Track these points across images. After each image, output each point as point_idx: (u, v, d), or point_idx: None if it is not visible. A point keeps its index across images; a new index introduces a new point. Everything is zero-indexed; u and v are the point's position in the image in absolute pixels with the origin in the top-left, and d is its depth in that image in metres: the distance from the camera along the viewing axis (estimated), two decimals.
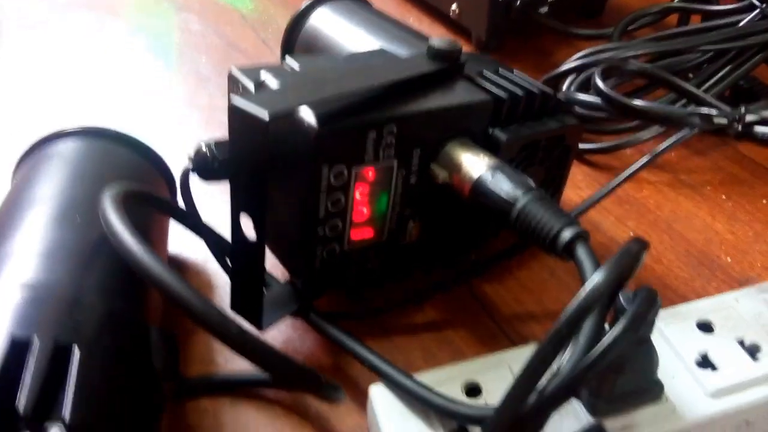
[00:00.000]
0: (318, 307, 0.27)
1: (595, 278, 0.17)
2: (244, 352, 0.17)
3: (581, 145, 0.37)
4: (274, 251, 0.28)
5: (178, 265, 0.32)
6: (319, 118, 0.21)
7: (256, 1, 0.55)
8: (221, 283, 0.31)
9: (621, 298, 0.19)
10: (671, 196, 0.35)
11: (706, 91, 0.33)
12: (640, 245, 0.18)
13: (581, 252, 0.20)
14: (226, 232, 0.26)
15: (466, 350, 0.28)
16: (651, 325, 0.20)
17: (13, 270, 0.20)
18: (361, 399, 0.26)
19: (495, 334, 0.28)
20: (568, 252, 0.21)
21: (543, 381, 0.18)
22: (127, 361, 0.19)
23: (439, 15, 0.52)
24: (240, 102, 0.19)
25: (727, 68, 0.35)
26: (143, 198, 0.22)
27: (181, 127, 0.41)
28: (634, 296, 0.19)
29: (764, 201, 0.35)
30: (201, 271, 0.31)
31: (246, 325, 0.22)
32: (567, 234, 0.21)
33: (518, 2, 0.43)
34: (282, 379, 0.17)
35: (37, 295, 0.19)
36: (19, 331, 0.17)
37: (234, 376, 0.27)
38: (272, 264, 0.28)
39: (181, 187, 0.24)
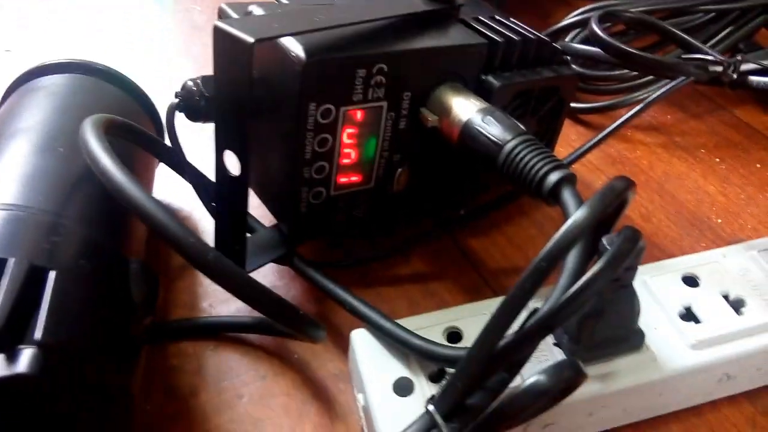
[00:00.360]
0: (304, 256, 0.27)
1: (576, 214, 0.16)
2: (219, 279, 0.17)
3: (576, 105, 0.37)
4: (260, 196, 0.28)
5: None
6: (307, 49, 0.20)
7: None
8: (208, 229, 0.30)
9: (604, 241, 0.19)
10: (665, 157, 0.35)
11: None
12: (625, 182, 0.17)
13: (567, 194, 0.20)
14: (211, 174, 0.26)
15: (451, 301, 0.28)
16: (633, 269, 0.20)
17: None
18: (344, 346, 0.25)
19: (480, 287, 0.28)
20: (553, 196, 0.21)
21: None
22: (103, 289, 0.19)
23: None
24: (224, 25, 0.19)
25: (728, 29, 0.34)
26: (125, 128, 0.22)
27: (172, 73, 0.41)
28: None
29: (758, 165, 0.35)
30: (187, 217, 0.31)
31: None
32: (554, 177, 0.20)
33: None
34: (258, 308, 0.17)
35: (15, 217, 0.18)
36: None
37: (217, 320, 0.27)
38: (262, 214, 0.28)
39: (166, 124, 0.24)
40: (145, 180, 0.27)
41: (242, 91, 0.19)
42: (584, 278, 0.17)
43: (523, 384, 0.16)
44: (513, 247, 0.30)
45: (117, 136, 0.21)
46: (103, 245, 0.20)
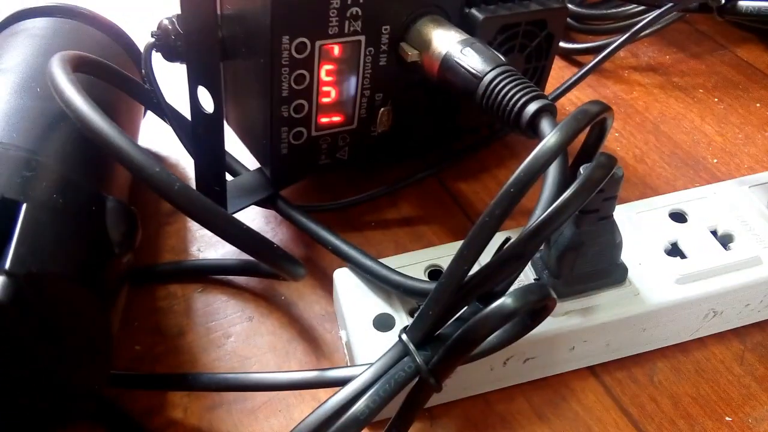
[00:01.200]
0: (290, 200, 0.27)
1: (546, 138, 0.16)
2: (184, 208, 0.16)
3: (571, 45, 0.36)
4: (242, 139, 0.27)
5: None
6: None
7: None
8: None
9: (581, 170, 0.18)
10: (661, 98, 0.34)
11: None
12: (599, 106, 0.17)
13: (545, 125, 0.20)
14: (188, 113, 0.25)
15: (438, 243, 0.28)
16: (612, 199, 0.20)
17: None
18: (330, 288, 0.26)
19: (467, 229, 0.28)
20: (532, 127, 0.20)
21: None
22: (77, 225, 0.19)
23: None
24: None
25: None
26: (95, 65, 0.22)
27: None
28: None
29: (758, 105, 0.34)
30: (174, 165, 0.31)
31: None
32: (532, 107, 0.20)
33: None
34: (230, 238, 0.17)
35: None
36: None
37: (204, 262, 0.27)
38: (250, 160, 0.28)
39: (143, 64, 0.24)
40: (127, 124, 0.27)
41: (209, 27, 0.19)
42: (555, 204, 0.16)
43: (489, 307, 0.16)
44: (500, 187, 0.30)
45: (89, 73, 0.21)
46: (79, 183, 0.20)
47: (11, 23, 0.27)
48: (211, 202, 0.17)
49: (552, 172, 0.18)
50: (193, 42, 0.20)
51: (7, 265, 0.16)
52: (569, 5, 0.34)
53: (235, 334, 0.25)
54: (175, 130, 0.25)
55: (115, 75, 0.23)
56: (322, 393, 0.22)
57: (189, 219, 0.29)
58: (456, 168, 0.30)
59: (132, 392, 0.23)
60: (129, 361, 0.24)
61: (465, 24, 0.24)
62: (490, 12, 0.25)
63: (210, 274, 0.27)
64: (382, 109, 0.26)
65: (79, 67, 0.20)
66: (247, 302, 0.26)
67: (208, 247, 0.28)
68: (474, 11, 0.24)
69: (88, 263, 0.18)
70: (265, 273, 0.26)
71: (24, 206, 0.17)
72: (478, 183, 0.30)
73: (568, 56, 0.37)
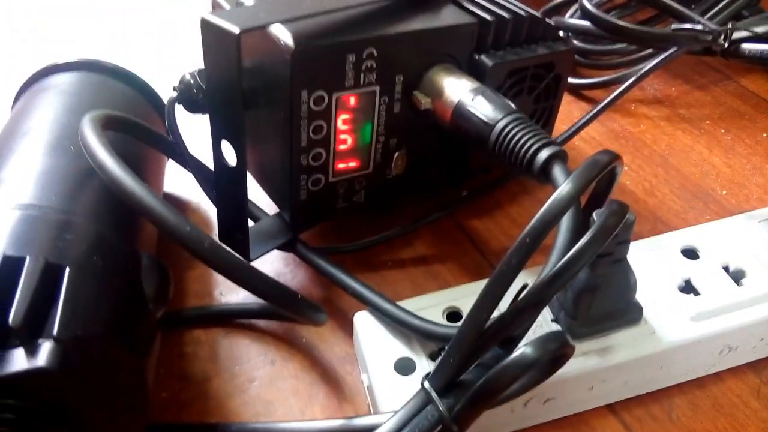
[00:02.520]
0: (307, 242, 0.28)
1: (559, 189, 0.17)
2: (215, 265, 0.17)
3: (578, 80, 0.37)
4: (262, 185, 0.28)
5: (173, 204, 0.32)
6: (296, 37, 0.21)
7: None
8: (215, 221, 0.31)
9: (594, 216, 0.19)
10: (668, 130, 0.35)
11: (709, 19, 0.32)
12: (609, 156, 0.17)
13: (557, 171, 0.20)
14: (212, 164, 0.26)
15: (453, 282, 0.28)
16: (626, 243, 0.20)
17: (7, 193, 0.20)
18: (350, 329, 0.26)
19: (482, 267, 0.29)
20: (544, 173, 0.21)
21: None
22: (116, 284, 0.19)
23: None
24: (211, 17, 0.19)
25: (729, 24, 0.34)
26: (123, 123, 0.22)
27: (171, 60, 0.41)
28: None
29: (765, 135, 0.34)
30: (195, 210, 0.32)
31: None
32: (543, 154, 0.21)
33: None
34: (256, 292, 0.18)
35: (29, 217, 0.19)
36: (11, 251, 0.18)
37: (227, 307, 0.28)
38: (268, 202, 0.29)
39: (166, 117, 0.25)
40: (153, 175, 0.28)
41: (232, 82, 0.20)
42: (570, 253, 0.17)
43: (510, 356, 0.16)
44: (516, 226, 0.30)
45: (117, 130, 0.22)
46: (115, 241, 0.20)
47: (39, 79, 0.28)
48: (237, 257, 0.18)
49: (566, 220, 0.19)
50: (216, 99, 0.21)
51: (55, 330, 0.16)
52: (575, 41, 0.35)
53: (258, 378, 0.25)
54: (198, 181, 0.25)
55: (141, 130, 0.24)
56: None
57: None
58: (469, 206, 0.31)
59: None
60: (156, 408, 0.24)
61: (475, 70, 0.25)
62: (498, 58, 0.25)
63: (233, 318, 0.27)
64: (396, 153, 0.26)
65: (109, 126, 0.21)
66: (270, 345, 0.26)
67: (230, 291, 0.28)
68: (483, 57, 0.25)
69: (126, 321, 0.19)
70: (285, 317, 0.26)
71: (67, 270, 0.18)
72: (491, 220, 0.31)
73: (576, 91, 0.37)
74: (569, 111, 0.36)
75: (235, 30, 0.19)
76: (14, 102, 0.29)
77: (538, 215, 0.17)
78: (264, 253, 0.26)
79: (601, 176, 0.19)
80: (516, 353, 0.16)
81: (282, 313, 0.26)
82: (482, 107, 0.22)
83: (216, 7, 0.25)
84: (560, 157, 0.21)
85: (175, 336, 0.27)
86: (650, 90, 0.37)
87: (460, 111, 0.23)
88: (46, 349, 0.16)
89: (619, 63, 0.36)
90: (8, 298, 0.16)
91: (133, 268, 0.20)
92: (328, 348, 0.26)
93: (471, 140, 0.23)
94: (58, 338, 0.16)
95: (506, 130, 0.22)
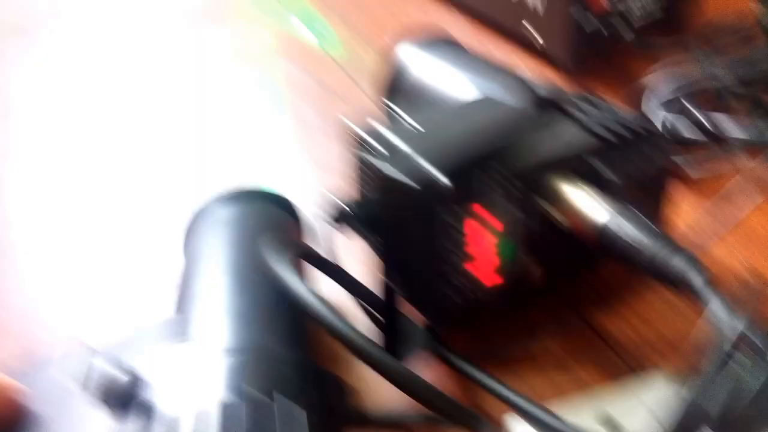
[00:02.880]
0: (448, 345, 0.30)
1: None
2: (406, 390, 0.20)
3: (683, 167, 0.38)
4: (404, 293, 0.31)
5: None
6: (451, 177, 0.24)
7: (344, 43, 0.59)
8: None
9: (754, 338, 0.20)
10: None
11: None
12: None
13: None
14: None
15: (587, 378, 0.29)
16: None
17: (218, 336, 0.23)
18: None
19: (615, 363, 0.30)
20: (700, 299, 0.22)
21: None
22: (320, 408, 0.22)
23: (514, 37, 0.53)
24: (389, 170, 0.23)
25: None
26: (305, 255, 0.26)
27: (302, 177, 0.45)
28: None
29: None
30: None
31: None
32: (698, 281, 0.22)
33: (606, 34, 0.44)
34: (438, 412, 0.20)
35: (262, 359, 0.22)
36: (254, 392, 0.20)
37: (392, 415, 0.29)
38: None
39: (325, 243, 0.28)
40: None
41: (404, 226, 0.23)
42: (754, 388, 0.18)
43: None
44: (642, 322, 0.32)
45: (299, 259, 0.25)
46: (307, 364, 0.23)
47: (205, 215, 0.31)
48: (418, 376, 0.20)
49: None
50: (386, 233, 0.24)
51: None
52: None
53: None
54: (360, 304, 0.28)
55: (313, 257, 0.27)
56: None
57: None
58: (596, 303, 0.32)
59: None
60: None
61: (597, 178, 0.27)
62: (623, 175, 0.28)
63: (395, 424, 0.29)
64: (535, 266, 0.29)
65: (294, 259, 0.24)
66: None
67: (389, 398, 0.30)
68: (608, 174, 0.27)
69: None
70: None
71: (302, 413, 0.20)
72: (617, 316, 0.32)
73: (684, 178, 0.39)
74: (678, 202, 0.37)
75: (416, 186, 0.22)
76: (185, 245, 0.31)
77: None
78: (411, 357, 0.29)
79: None
80: None
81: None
82: (628, 231, 0.24)
83: (355, 137, 0.29)
84: (712, 281, 0.22)
85: None
86: None
87: (607, 235, 0.25)
88: None
89: (724, 152, 0.37)
90: None
91: (324, 387, 0.23)
92: None
93: (617, 258, 0.25)
94: None
95: (653, 253, 0.23)
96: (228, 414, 0.19)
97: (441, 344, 0.29)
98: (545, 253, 0.28)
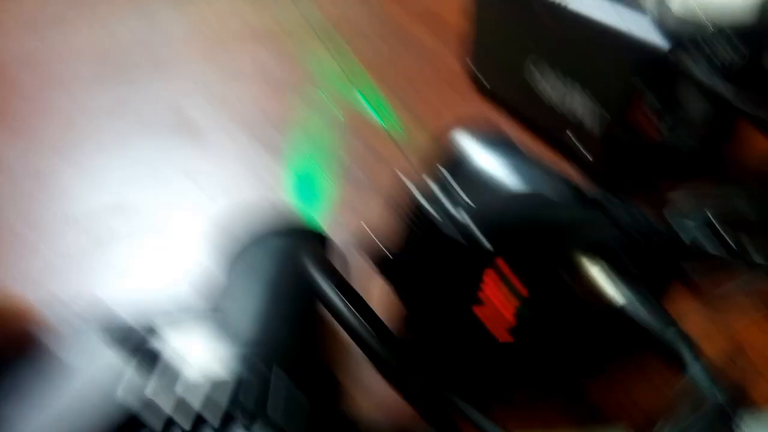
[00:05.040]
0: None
1: None
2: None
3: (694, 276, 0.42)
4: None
5: None
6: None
7: (402, 122, 0.65)
8: None
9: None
10: None
11: None
12: None
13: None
14: None
15: (552, 421, 0.33)
16: None
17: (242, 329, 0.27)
18: None
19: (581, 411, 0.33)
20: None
21: None
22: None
23: (550, 139, 0.58)
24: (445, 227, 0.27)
25: None
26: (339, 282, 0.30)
27: (346, 224, 0.50)
28: None
29: None
30: None
31: None
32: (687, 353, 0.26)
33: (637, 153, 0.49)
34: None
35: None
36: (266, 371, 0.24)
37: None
38: None
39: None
40: None
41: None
42: None
43: None
44: (616, 382, 0.35)
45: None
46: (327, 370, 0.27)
47: (258, 243, 0.36)
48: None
49: None
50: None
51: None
52: None
53: None
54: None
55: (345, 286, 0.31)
56: None
57: None
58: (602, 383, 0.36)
59: None
60: None
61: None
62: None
63: None
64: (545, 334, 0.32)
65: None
66: None
67: None
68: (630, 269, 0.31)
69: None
70: None
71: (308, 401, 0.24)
72: (609, 392, 0.35)
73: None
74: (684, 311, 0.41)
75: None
76: (232, 267, 0.36)
77: None
78: None
79: None
80: None
81: None
82: (643, 315, 0.28)
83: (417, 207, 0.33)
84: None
85: None
86: None
87: (623, 313, 0.29)
88: None
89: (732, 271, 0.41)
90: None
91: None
92: None
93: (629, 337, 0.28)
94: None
95: (665, 336, 0.27)
96: (240, 386, 0.23)
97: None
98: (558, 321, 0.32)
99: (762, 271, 0.40)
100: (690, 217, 0.41)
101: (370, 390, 0.34)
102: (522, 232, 0.30)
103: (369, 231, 0.34)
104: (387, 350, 0.25)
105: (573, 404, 0.34)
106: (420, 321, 0.34)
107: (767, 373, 0.37)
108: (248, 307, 0.29)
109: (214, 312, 0.29)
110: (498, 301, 0.31)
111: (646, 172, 0.52)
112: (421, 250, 0.31)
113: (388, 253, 0.33)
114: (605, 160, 0.52)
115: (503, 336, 0.31)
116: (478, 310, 0.31)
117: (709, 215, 0.38)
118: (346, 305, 0.26)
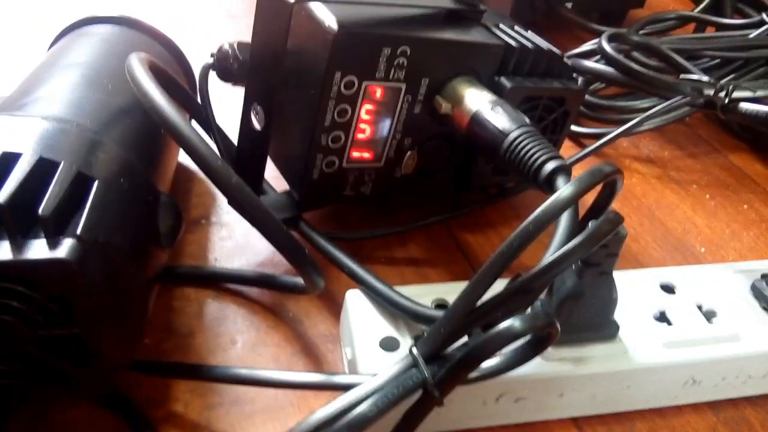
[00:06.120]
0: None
1: (564, 187, 0.18)
2: (239, 202, 0.18)
3: (580, 129, 0.39)
4: (276, 163, 0.29)
5: (189, 175, 0.33)
6: (339, 21, 0.23)
7: None
8: None
9: (590, 224, 0.20)
10: (658, 187, 0.37)
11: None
12: (612, 167, 0.19)
13: (561, 182, 0.22)
14: (233, 135, 0.28)
15: (436, 278, 0.29)
16: (614, 256, 0.22)
17: (44, 107, 0.21)
18: (336, 311, 0.27)
19: (469, 276, 0.30)
20: (549, 183, 0.22)
21: None
22: (137, 209, 0.20)
23: None
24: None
25: (731, 76, 0.37)
26: (161, 74, 0.24)
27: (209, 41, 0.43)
28: None
29: (745, 206, 0.36)
30: (203, 181, 0.33)
31: None
32: (550, 165, 0.22)
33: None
34: (270, 236, 0.19)
35: (65, 128, 0.20)
36: (47, 154, 0.18)
37: (222, 271, 0.29)
38: (274, 179, 0.30)
39: (199, 81, 0.26)
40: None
41: (277, 48, 0.21)
42: (563, 249, 0.18)
43: (498, 327, 0.17)
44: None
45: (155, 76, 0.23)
46: (141, 172, 0.21)
47: (79, 27, 0.30)
48: (259, 200, 0.19)
49: (564, 220, 0.20)
50: (258, 63, 0.23)
51: (79, 230, 0.17)
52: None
53: (241, 341, 0.26)
54: (218, 146, 0.27)
55: (176, 87, 0.25)
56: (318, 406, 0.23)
57: (209, 230, 0.31)
58: (464, 219, 0.32)
59: (136, 383, 0.24)
60: (138, 352, 0.24)
61: (494, 89, 0.27)
62: (516, 82, 0.27)
63: (226, 282, 0.28)
64: (408, 153, 0.28)
65: (151, 70, 0.22)
66: (257, 314, 0.27)
67: (225, 258, 0.29)
68: (503, 79, 0.27)
69: (140, 245, 0.20)
70: (278, 286, 0.27)
71: (96, 183, 0.19)
72: (482, 236, 0.32)
73: (576, 138, 0.40)
74: (566, 155, 0.38)
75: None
76: (52, 44, 0.30)
77: (542, 207, 0.18)
78: None
79: (603, 188, 0.21)
80: (504, 324, 0.17)
81: (275, 282, 0.27)
82: (499, 117, 0.24)
83: None
84: (566, 170, 0.22)
85: (166, 290, 0.27)
86: (645, 150, 0.40)
87: (477, 118, 0.25)
88: (67, 244, 0.17)
89: (620, 119, 0.38)
90: (39, 193, 0.17)
91: (153, 201, 0.21)
92: (313, 324, 0.27)
93: (484, 148, 0.24)
94: (80, 237, 0.17)
95: (518, 140, 0.23)
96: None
97: (300, 215, 0.28)
98: (420, 139, 0.28)
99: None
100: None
101: None
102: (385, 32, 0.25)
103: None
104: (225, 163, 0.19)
105: (455, 263, 0.31)
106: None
107: None
108: (54, 90, 0.22)
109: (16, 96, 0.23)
110: (366, 123, 0.26)
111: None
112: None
113: (238, 53, 0.27)
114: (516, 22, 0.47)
115: (364, 155, 0.27)
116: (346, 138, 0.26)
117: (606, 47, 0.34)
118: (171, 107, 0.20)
